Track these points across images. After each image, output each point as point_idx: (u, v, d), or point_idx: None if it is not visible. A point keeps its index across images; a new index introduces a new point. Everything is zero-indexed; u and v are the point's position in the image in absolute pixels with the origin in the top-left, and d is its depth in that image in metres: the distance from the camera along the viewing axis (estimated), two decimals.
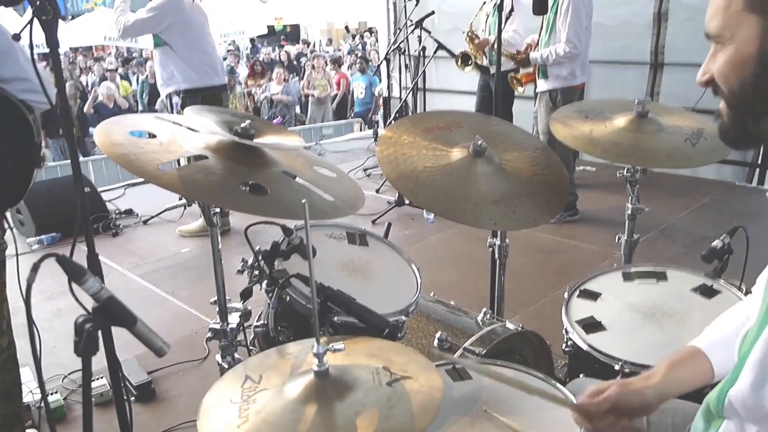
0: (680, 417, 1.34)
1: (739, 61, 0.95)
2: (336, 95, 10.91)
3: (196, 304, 3.59)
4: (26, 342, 1.09)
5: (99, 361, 1.18)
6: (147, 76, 10.73)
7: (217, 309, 1.90)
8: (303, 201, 1.16)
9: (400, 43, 5.88)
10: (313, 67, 10.68)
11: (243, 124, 1.68)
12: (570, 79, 4.35)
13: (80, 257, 1.30)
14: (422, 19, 5.52)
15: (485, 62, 5.11)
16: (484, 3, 5.07)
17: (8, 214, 2.05)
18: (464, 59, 5.13)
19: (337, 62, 11.78)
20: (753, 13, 0.92)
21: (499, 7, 2.94)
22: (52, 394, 2.65)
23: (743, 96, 0.97)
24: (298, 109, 10.58)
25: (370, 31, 16.51)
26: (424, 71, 5.68)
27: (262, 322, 1.88)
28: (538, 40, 4.46)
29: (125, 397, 1.85)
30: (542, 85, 4.46)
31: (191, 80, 4.33)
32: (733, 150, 1.08)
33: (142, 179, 1.82)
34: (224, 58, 11.84)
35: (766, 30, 0.92)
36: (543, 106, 4.52)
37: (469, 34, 5.00)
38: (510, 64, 4.70)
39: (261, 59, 12.55)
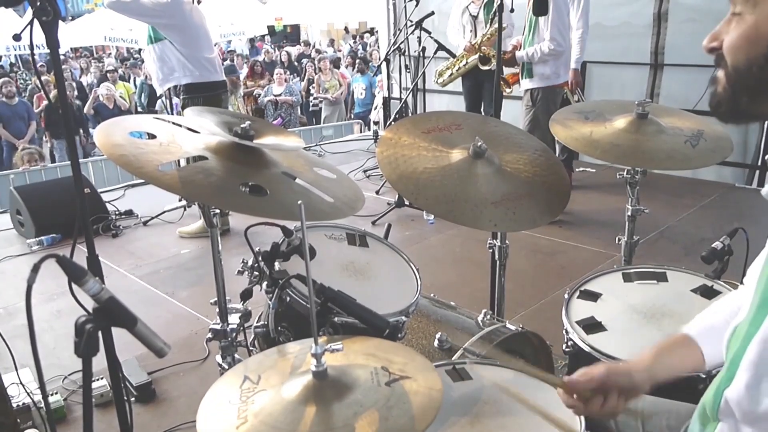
0: (674, 419, 1.34)
1: (755, 37, 0.90)
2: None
3: (196, 305, 3.59)
4: (26, 343, 1.09)
5: (99, 361, 1.18)
6: (146, 77, 10.70)
7: (217, 310, 1.90)
8: (299, 202, 1.16)
9: (400, 43, 5.88)
10: (320, 69, 10.67)
11: (243, 125, 1.68)
12: (553, 79, 4.43)
13: (80, 258, 1.30)
14: (422, 20, 5.53)
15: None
16: (468, 5, 5.09)
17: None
18: (483, 60, 5.10)
19: (334, 63, 11.77)
20: None
21: (500, 7, 2.94)
22: (52, 394, 2.64)
23: (747, 74, 0.92)
24: (298, 110, 10.58)
25: (371, 32, 16.50)
26: (424, 72, 5.68)
27: (262, 322, 1.88)
28: (522, 40, 4.49)
29: (125, 398, 1.85)
30: (526, 84, 4.53)
31: (192, 75, 4.33)
32: (725, 123, 1.03)
33: (142, 180, 1.83)
34: (224, 60, 11.83)
35: None
36: (524, 104, 4.58)
37: (489, 34, 4.98)
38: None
39: (261, 60, 12.54)
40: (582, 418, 1.29)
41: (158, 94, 4.55)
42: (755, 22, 0.90)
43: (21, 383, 2.36)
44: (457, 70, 5.29)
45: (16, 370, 2.27)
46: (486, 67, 5.08)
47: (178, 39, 4.25)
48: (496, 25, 4.57)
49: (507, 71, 4.70)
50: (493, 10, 4.90)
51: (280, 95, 9.79)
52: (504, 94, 4.91)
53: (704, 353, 1.24)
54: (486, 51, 5.00)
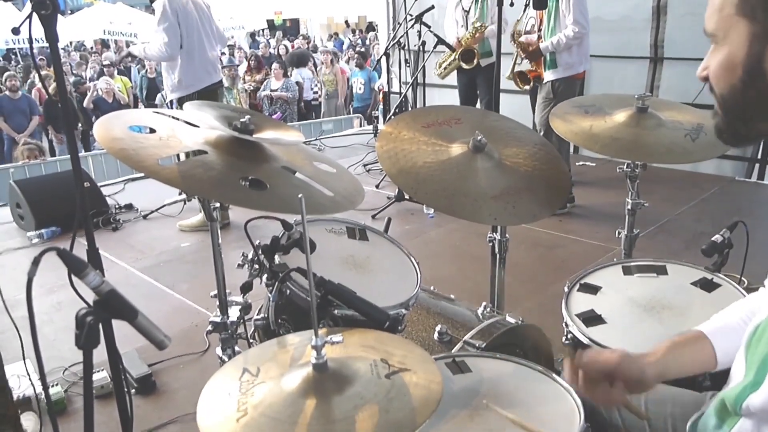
0: (679, 407, 1.34)
1: (730, 64, 0.95)
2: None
3: (196, 298, 3.60)
4: (27, 335, 1.10)
5: (99, 353, 1.18)
6: (146, 70, 10.65)
7: (218, 302, 1.90)
8: (300, 196, 1.16)
9: (400, 38, 5.87)
10: (322, 62, 10.63)
11: (242, 119, 1.68)
12: (577, 67, 4.41)
13: (80, 251, 1.30)
14: (422, 14, 5.52)
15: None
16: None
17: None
18: (466, 56, 5.08)
19: (335, 56, 11.71)
20: (743, 18, 0.91)
21: (499, 2, 2.93)
22: (52, 386, 2.66)
23: (732, 101, 0.97)
24: (294, 106, 10.52)
25: (371, 27, 16.44)
26: (423, 66, 5.67)
27: (262, 315, 1.88)
28: (540, 34, 4.46)
29: (126, 390, 1.86)
30: (549, 75, 4.47)
31: (192, 86, 4.40)
32: (735, 147, 1.09)
33: (141, 174, 1.83)
34: (222, 53, 11.76)
35: (755, 36, 0.91)
36: (542, 97, 4.53)
37: (477, 26, 4.97)
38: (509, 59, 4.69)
39: (260, 54, 12.49)
40: (582, 411, 1.29)
41: (167, 99, 4.61)
42: (728, 50, 0.95)
43: (28, 373, 2.36)
44: (449, 64, 5.29)
45: (25, 358, 2.27)
46: (468, 66, 5.07)
47: (183, 40, 4.32)
48: (479, 24, 4.55)
49: (525, 66, 4.68)
50: (484, 4, 4.90)
51: (277, 90, 9.76)
52: (521, 89, 4.89)
53: (716, 351, 1.23)
54: (467, 44, 4.97)
